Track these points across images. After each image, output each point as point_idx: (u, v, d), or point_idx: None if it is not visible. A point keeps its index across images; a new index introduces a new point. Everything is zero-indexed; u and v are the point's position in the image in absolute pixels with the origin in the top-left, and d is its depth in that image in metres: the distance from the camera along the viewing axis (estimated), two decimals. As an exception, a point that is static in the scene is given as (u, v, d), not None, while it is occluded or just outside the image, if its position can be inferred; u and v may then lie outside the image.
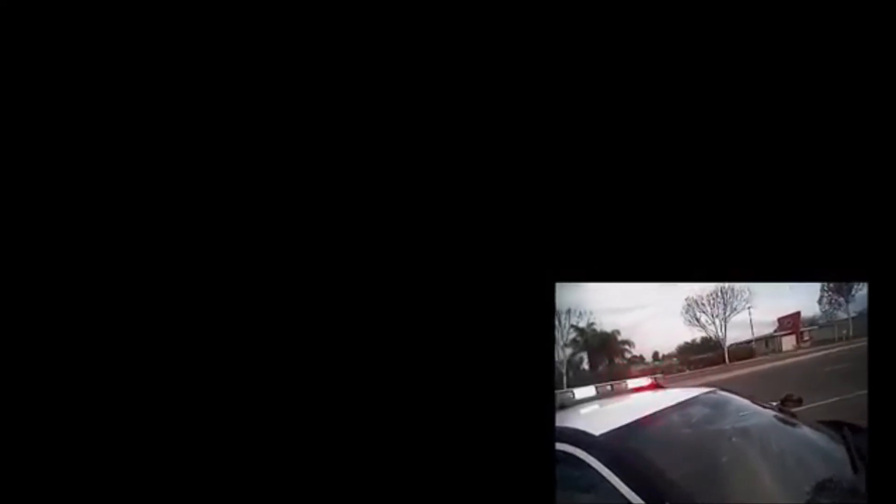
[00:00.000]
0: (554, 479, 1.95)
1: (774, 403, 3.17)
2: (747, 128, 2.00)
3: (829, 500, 2.18)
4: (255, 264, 2.26)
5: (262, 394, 2.21)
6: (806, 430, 2.83)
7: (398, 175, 2.22)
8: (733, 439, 2.57)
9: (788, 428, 2.86)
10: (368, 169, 2.24)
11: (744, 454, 2.49)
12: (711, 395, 3.07)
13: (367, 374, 2.16)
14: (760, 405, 3.09)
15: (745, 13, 2.02)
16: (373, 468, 2.11)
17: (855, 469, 2.25)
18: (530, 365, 2.06)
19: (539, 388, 2.03)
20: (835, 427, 2.78)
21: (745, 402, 3.21)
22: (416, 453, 2.09)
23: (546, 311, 2.05)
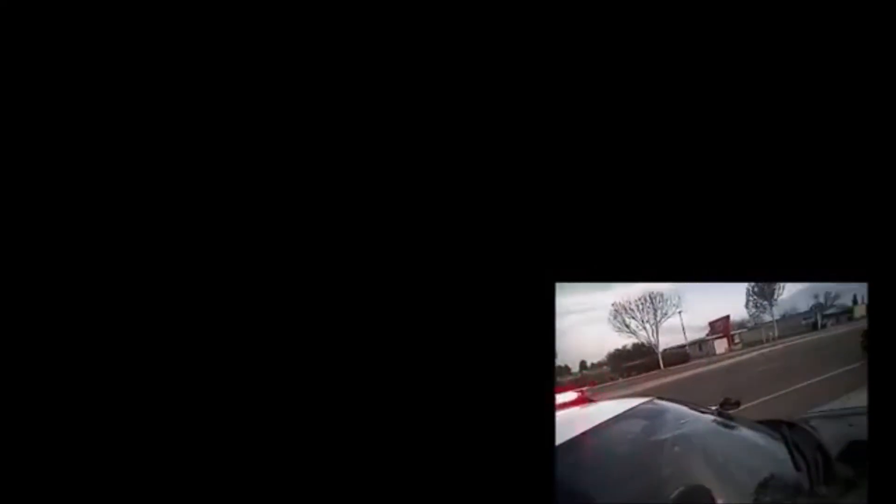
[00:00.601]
0: (554, 480, 2.00)
1: (714, 407, 3.18)
2: (747, 128, 2.03)
3: (771, 497, 2.21)
4: (255, 264, 2.27)
5: (261, 393, 2.22)
6: (745, 432, 2.86)
7: (398, 175, 2.24)
8: (675, 448, 2.56)
9: (728, 431, 2.88)
10: (368, 169, 2.26)
11: (687, 463, 2.49)
12: (648, 405, 3.05)
13: (367, 373, 2.18)
14: (699, 411, 3.11)
15: (745, 13, 2.06)
16: (372, 468, 2.13)
17: (797, 467, 2.29)
18: (530, 365, 2.09)
19: (539, 388, 2.06)
20: (773, 426, 2.86)
21: (684, 409, 3.22)
22: (415, 453, 2.11)
23: (546, 311, 2.07)
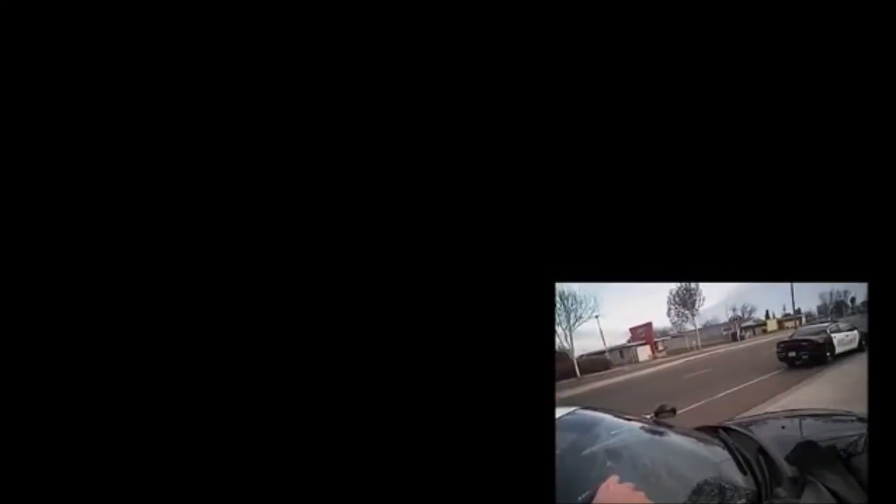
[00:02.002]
0: (553, 480, 2.07)
1: (648, 416, 3.21)
2: (747, 128, 2.08)
3: (707, 501, 2.25)
4: (254, 264, 2.31)
5: (261, 393, 2.26)
6: (679, 438, 2.88)
7: (398, 175, 2.28)
8: (608, 463, 2.55)
9: (661, 439, 2.90)
10: (368, 169, 2.30)
11: (620, 478, 2.45)
12: (572, 416, 3.03)
13: (367, 373, 2.23)
14: (631, 419, 3.07)
15: (745, 13, 2.12)
16: (371, 467, 2.18)
17: (742, 470, 2.34)
18: (530, 365, 2.14)
19: (539, 388, 2.12)
20: (710, 431, 2.89)
21: (614, 418, 3.18)
22: (415, 453, 2.16)
23: (546, 311, 2.13)
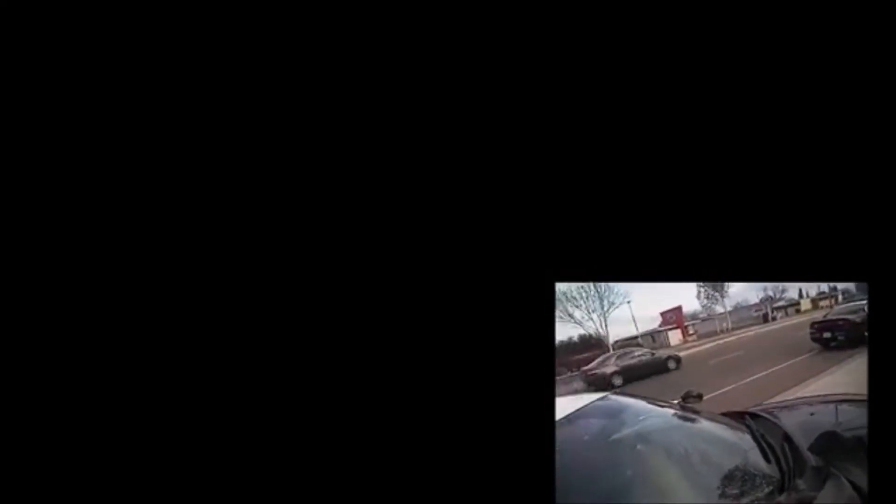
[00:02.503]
0: (554, 480, 2.05)
1: (675, 401, 3.23)
2: (747, 128, 2.07)
3: (738, 489, 2.22)
4: (254, 264, 2.32)
5: (261, 393, 2.27)
6: (707, 424, 2.88)
7: (398, 175, 2.29)
8: (638, 447, 2.56)
9: (691, 425, 2.90)
10: (368, 169, 2.30)
11: (650, 462, 2.49)
12: (605, 401, 3.03)
13: (367, 373, 2.23)
14: (659, 405, 3.11)
15: (744, 13, 2.11)
16: (371, 467, 2.18)
17: (766, 458, 2.32)
18: (530, 365, 2.14)
19: (539, 388, 2.11)
20: (736, 417, 2.90)
21: (643, 404, 3.20)
22: (414, 453, 2.16)
23: (546, 311, 2.12)
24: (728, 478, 2.28)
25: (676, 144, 2.09)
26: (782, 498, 2.11)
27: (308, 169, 2.32)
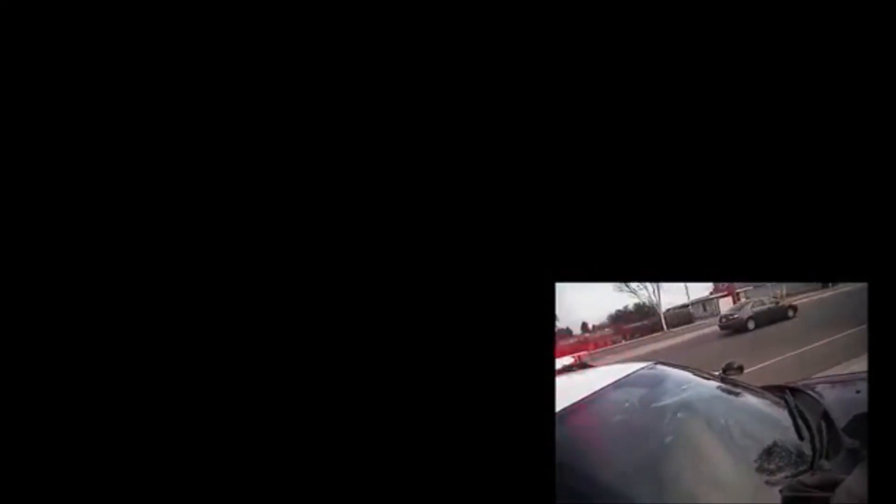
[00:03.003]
0: (554, 480, 2.02)
1: (716, 373, 3.22)
2: (747, 128, 2.07)
3: (776, 465, 2.22)
4: (253, 264, 2.33)
5: (260, 393, 2.28)
6: (749, 398, 2.89)
7: (398, 175, 2.29)
8: (678, 415, 2.59)
9: (731, 397, 2.90)
10: (368, 169, 2.31)
11: (690, 430, 2.51)
12: (648, 370, 3.06)
13: (367, 373, 2.24)
14: (701, 376, 3.14)
15: (744, 13, 2.10)
16: (370, 468, 2.19)
17: (800, 435, 2.32)
18: (530, 365, 2.14)
19: (539, 388, 2.10)
20: (777, 391, 2.90)
21: (685, 374, 3.22)
22: (414, 453, 2.17)
23: (546, 311, 2.12)
24: (767, 452, 2.29)
25: (677, 144, 2.10)
26: (806, 477, 2.10)
27: (308, 170, 2.33)
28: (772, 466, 2.23)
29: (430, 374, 2.18)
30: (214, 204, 2.34)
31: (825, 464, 2.11)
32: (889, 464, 1.87)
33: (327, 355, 2.25)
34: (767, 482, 2.15)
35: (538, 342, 2.09)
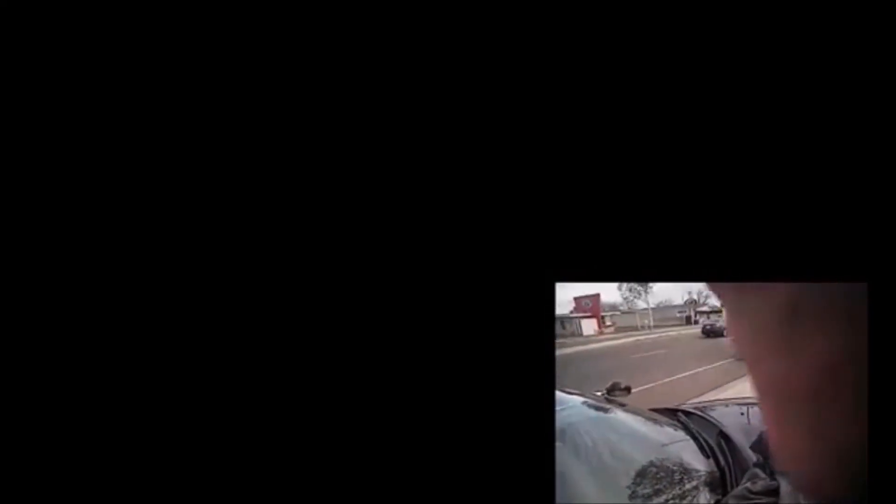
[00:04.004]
0: (554, 479, 2.08)
1: (599, 393, 3.23)
2: (746, 128, 2.11)
3: (650, 487, 2.24)
4: (253, 265, 2.33)
5: (260, 394, 2.30)
6: (625, 417, 2.86)
7: (397, 175, 2.30)
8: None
9: (606, 416, 2.85)
10: (367, 169, 2.31)
11: (560, 458, 2.43)
12: None
13: (366, 374, 2.26)
14: (578, 395, 3.02)
15: (744, 13, 2.12)
16: (370, 468, 2.21)
17: (705, 453, 2.35)
18: (530, 365, 2.18)
19: (539, 388, 2.16)
20: (668, 414, 2.91)
21: (561, 394, 3.11)
22: (414, 454, 2.19)
23: (546, 311, 2.16)
24: (641, 474, 2.28)
25: (676, 144, 2.13)
26: (750, 485, 2.15)
27: (305, 169, 2.33)
28: (647, 490, 2.23)
29: (429, 373, 2.21)
30: (214, 203, 2.34)
31: (753, 474, 2.18)
32: (889, 464, 1.93)
33: (324, 355, 2.28)
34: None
35: (538, 342, 2.14)
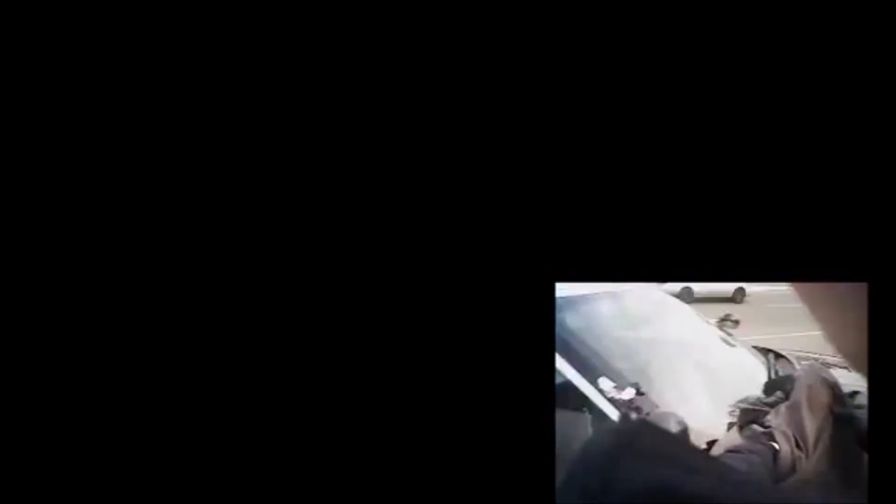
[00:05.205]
0: (553, 479, 2.06)
1: (712, 321, 3.51)
2: (746, 128, 2.08)
3: (743, 419, 2.39)
4: (254, 266, 2.33)
5: (261, 394, 2.30)
6: (739, 350, 3.18)
7: (397, 175, 2.28)
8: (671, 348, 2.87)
9: (723, 345, 3.21)
10: (368, 169, 2.30)
11: (679, 364, 2.77)
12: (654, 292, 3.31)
13: (366, 374, 2.25)
14: (701, 318, 3.45)
15: (743, 13, 2.09)
16: (370, 468, 2.21)
17: (766, 391, 2.54)
18: (530, 365, 2.14)
19: (539, 388, 2.12)
20: (763, 353, 3.21)
21: (688, 309, 3.46)
22: (414, 454, 2.18)
23: (546, 311, 2.13)
24: (741, 401, 2.45)
25: (676, 144, 2.10)
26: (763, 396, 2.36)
27: (307, 170, 2.32)
28: (737, 413, 2.40)
29: (429, 373, 2.20)
30: (214, 203, 2.33)
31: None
32: (889, 464, 1.87)
33: (325, 356, 2.28)
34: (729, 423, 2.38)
35: (538, 342, 2.12)
